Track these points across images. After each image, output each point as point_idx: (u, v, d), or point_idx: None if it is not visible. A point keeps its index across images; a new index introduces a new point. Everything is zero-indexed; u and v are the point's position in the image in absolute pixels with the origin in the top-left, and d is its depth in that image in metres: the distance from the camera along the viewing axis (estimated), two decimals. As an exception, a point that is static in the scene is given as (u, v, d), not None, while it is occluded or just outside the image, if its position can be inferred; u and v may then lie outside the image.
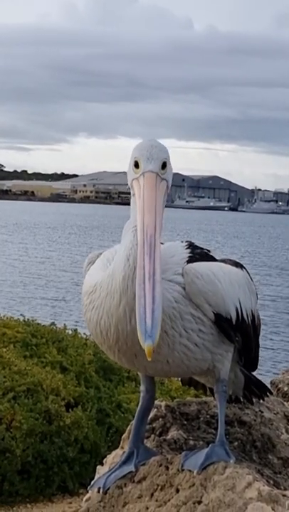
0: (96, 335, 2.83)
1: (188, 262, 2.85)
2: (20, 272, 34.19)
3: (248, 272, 3.07)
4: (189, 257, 2.88)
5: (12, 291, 27.70)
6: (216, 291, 2.82)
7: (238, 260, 3.08)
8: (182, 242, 2.99)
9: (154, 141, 2.84)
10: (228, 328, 2.86)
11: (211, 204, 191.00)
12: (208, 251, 2.99)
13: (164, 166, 2.80)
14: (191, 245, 2.96)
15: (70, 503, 6.93)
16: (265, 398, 3.38)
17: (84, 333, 8.84)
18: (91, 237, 60.60)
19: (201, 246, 3.00)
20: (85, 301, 2.85)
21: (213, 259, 2.95)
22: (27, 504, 6.92)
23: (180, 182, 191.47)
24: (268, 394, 3.37)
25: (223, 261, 2.98)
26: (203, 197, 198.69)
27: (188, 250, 2.91)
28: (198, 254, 2.91)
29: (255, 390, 3.28)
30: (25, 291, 27.84)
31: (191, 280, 2.80)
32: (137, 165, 2.81)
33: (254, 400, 3.34)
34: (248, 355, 3.10)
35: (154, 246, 2.63)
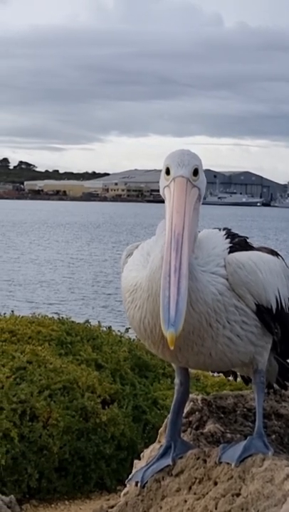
0: (140, 331, 2.83)
1: (230, 252, 2.85)
2: (56, 270, 34.38)
3: (283, 259, 3.06)
4: (230, 247, 2.87)
5: (45, 290, 27.86)
6: (257, 281, 2.82)
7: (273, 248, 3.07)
8: (220, 229, 2.98)
9: (186, 150, 2.84)
10: (268, 318, 2.85)
11: (244, 200, 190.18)
12: (247, 238, 2.99)
13: (195, 173, 2.79)
14: (230, 234, 2.96)
15: (108, 499, 6.94)
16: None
17: (118, 331, 8.85)
18: (121, 235, 60.72)
19: (238, 233, 2.99)
20: (126, 297, 2.86)
21: (251, 247, 2.94)
22: (65, 501, 6.94)
23: (212, 178, 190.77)
24: None
25: (259, 249, 2.96)
26: (235, 193, 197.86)
27: (228, 240, 2.91)
28: (237, 243, 2.91)
29: None
30: (58, 291, 27.96)
31: (233, 270, 2.80)
32: (168, 172, 2.80)
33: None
34: (284, 344, 3.08)
35: (182, 243, 2.63)
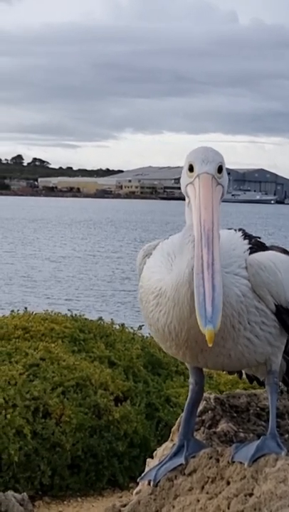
0: (163, 334, 2.80)
1: (250, 253, 2.83)
2: (72, 267, 34.46)
3: None
4: (250, 248, 2.86)
5: (63, 286, 27.91)
6: (277, 282, 2.82)
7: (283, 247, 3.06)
8: (235, 231, 2.97)
9: (209, 147, 2.80)
10: (287, 318, 2.84)
11: (257, 197, 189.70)
12: (260, 238, 2.98)
13: (220, 170, 2.75)
14: (246, 235, 2.95)
15: (121, 497, 6.94)
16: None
17: (131, 328, 8.85)
18: (135, 232, 60.74)
19: (251, 234, 2.98)
20: (150, 300, 2.81)
21: (266, 247, 2.93)
22: (77, 498, 6.95)
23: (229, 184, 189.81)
24: None
25: (272, 248, 2.96)
26: (249, 190, 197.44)
27: (247, 241, 2.90)
28: (255, 244, 2.90)
29: None
30: (75, 287, 28.01)
31: (255, 272, 2.79)
32: (191, 169, 2.75)
33: None
34: None
35: (212, 239, 2.59)
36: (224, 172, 2.78)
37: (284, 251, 3.00)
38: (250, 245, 2.88)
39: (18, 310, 8.88)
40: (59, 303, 22.59)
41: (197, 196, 2.70)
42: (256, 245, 2.90)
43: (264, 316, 2.79)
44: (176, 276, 2.71)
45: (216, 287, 2.51)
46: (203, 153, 2.75)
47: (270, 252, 2.90)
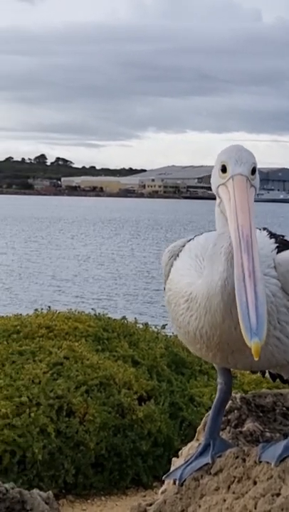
0: (194, 337, 2.77)
1: (277, 252, 2.81)
2: (98, 266, 34.54)
3: None
4: (277, 247, 2.84)
5: (81, 286, 27.97)
6: None
7: None
8: (260, 230, 2.94)
9: (241, 145, 2.76)
10: None
11: (281, 197, 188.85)
12: (284, 236, 2.96)
13: (253, 171, 2.72)
14: (271, 233, 2.92)
15: (144, 496, 6.94)
16: None
17: (155, 327, 8.84)
18: (160, 232, 60.75)
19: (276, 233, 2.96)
20: (181, 303, 2.78)
21: None
22: (101, 497, 6.95)
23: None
24: None
25: None
26: (272, 189, 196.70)
27: (273, 240, 2.87)
28: (280, 242, 2.87)
29: None
30: (96, 286, 28.06)
31: (285, 271, 2.76)
32: (224, 170, 2.70)
33: None
34: None
35: (252, 244, 2.54)
36: (257, 174, 2.75)
37: None
38: (276, 244, 2.85)
39: (42, 309, 8.91)
40: (85, 302, 22.66)
41: (232, 199, 2.64)
42: (282, 244, 2.87)
43: None
44: (207, 286, 2.67)
45: (258, 296, 2.45)
46: (237, 154, 2.70)
47: None
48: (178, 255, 2.95)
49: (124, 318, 8.88)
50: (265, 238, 2.88)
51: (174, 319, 2.84)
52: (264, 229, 2.96)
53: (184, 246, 2.97)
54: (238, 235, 2.55)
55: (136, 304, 24.02)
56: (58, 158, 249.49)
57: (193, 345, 2.82)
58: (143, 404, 7.32)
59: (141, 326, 8.75)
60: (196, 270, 2.77)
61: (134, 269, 33.64)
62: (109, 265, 35.50)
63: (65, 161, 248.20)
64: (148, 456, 7.15)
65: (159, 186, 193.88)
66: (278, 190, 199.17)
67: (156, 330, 8.71)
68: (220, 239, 2.68)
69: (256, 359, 2.42)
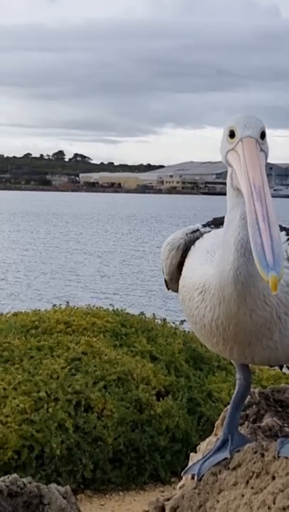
0: (210, 329, 2.75)
1: None
2: (120, 262, 34.58)
3: None
4: (288, 238, 2.83)
5: (100, 282, 28.01)
6: None
7: None
8: None
9: (250, 113, 2.71)
10: None
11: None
12: None
13: (262, 136, 2.66)
14: (281, 227, 2.91)
15: (163, 491, 6.93)
16: None
17: (173, 323, 8.82)
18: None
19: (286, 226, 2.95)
20: (195, 296, 2.77)
21: None
22: (119, 492, 6.95)
23: (268, 170, 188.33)
24: None
25: None
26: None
27: (284, 232, 2.86)
28: None
29: None
30: (112, 282, 28.09)
31: None
32: (232, 135, 2.65)
33: None
34: None
35: (265, 194, 2.47)
36: (267, 139, 2.68)
37: None
38: (288, 236, 2.84)
39: (60, 304, 8.91)
40: (104, 297, 22.67)
41: (242, 159, 2.58)
42: None
43: None
44: (219, 276, 2.66)
45: (274, 238, 2.36)
46: (245, 119, 2.65)
47: None
48: (178, 247, 2.93)
49: (142, 313, 8.87)
50: None
51: (189, 316, 2.83)
52: None
53: (183, 238, 2.95)
54: (250, 188, 2.48)
55: (155, 299, 23.99)
56: (76, 155, 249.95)
57: (210, 339, 2.80)
58: (161, 399, 7.31)
59: (159, 322, 8.75)
60: (209, 264, 2.76)
61: (153, 265, 33.60)
62: (129, 261, 35.51)
63: (83, 157, 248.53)
64: (166, 451, 7.14)
65: (177, 182, 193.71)
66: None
67: (174, 325, 8.69)
68: (229, 226, 2.64)
69: (274, 293, 2.36)
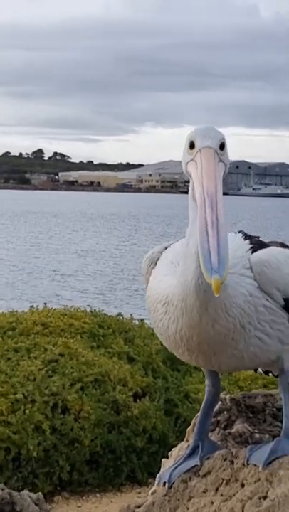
0: (174, 340, 2.78)
1: (252, 253, 2.82)
2: (100, 261, 34.53)
3: None
4: (251, 247, 2.85)
5: (81, 280, 27.97)
6: (283, 276, 2.81)
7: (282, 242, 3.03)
8: (235, 233, 2.95)
9: (210, 126, 2.75)
10: None
11: (278, 191, 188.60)
12: (258, 237, 2.97)
13: (222, 147, 2.70)
14: (246, 235, 2.94)
15: (139, 492, 6.95)
16: None
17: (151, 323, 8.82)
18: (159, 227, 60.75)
19: (250, 234, 2.97)
20: (159, 308, 2.80)
21: (266, 245, 2.92)
22: (96, 494, 6.96)
23: (246, 170, 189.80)
24: None
25: (271, 245, 2.95)
26: (270, 184, 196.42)
27: (248, 241, 2.89)
28: (255, 243, 2.89)
29: None
30: (97, 281, 28.05)
31: (260, 270, 2.78)
32: (192, 146, 2.70)
33: None
34: None
35: (216, 202, 2.53)
36: (226, 150, 2.72)
37: (283, 245, 2.99)
38: (251, 245, 2.87)
39: (37, 306, 8.89)
40: (85, 296, 22.65)
41: (199, 168, 2.63)
42: (257, 244, 2.89)
43: (273, 313, 2.77)
44: (181, 287, 2.68)
45: (220, 242, 2.44)
46: (204, 131, 2.70)
47: (270, 248, 2.88)
48: (156, 263, 2.96)
49: (119, 314, 8.87)
50: (240, 240, 2.89)
51: (156, 326, 2.86)
52: (240, 232, 2.97)
53: (161, 252, 2.98)
54: (203, 195, 2.54)
55: (136, 297, 23.99)
56: (55, 153, 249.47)
57: (175, 350, 2.83)
58: (138, 400, 7.32)
59: (136, 323, 8.75)
60: (172, 275, 2.78)
61: (135, 264, 33.59)
62: (110, 260, 35.47)
63: (62, 155, 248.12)
64: (143, 452, 7.15)
65: (157, 181, 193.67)
66: (276, 184, 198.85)
67: (151, 326, 8.69)
68: (191, 236, 2.65)
69: (216, 295, 2.42)
